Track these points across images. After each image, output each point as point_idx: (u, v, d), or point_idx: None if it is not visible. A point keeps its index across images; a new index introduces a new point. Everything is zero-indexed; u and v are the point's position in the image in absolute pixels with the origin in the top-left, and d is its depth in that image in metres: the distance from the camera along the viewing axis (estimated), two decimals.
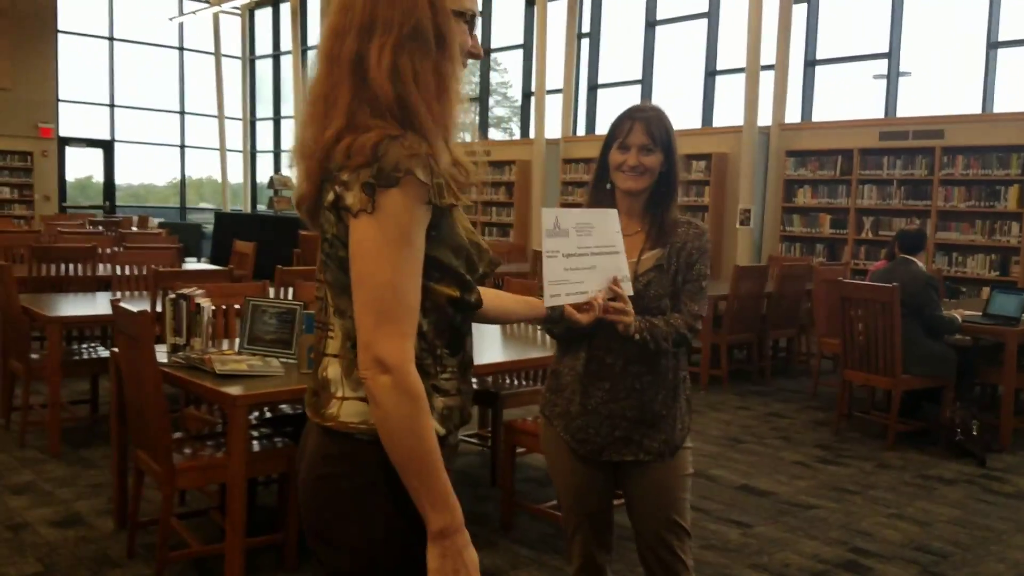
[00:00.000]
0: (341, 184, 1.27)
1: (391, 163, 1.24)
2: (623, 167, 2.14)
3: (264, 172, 17.54)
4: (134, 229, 11.43)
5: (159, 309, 4.14)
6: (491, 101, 14.41)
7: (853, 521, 3.95)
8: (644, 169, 2.13)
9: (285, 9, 16.67)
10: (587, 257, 1.93)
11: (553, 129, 11.82)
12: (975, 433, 4.93)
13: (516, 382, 4.41)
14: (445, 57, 1.32)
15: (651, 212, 2.19)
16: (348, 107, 1.29)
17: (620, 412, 2.14)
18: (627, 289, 1.98)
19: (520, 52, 12.90)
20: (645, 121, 2.12)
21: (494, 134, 14.56)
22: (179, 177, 18.04)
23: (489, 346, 4.16)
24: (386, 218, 1.24)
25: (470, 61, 1.43)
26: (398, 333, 1.24)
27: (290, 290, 5.03)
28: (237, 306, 4.01)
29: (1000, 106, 8.15)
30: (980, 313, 5.44)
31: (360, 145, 1.25)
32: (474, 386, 4.21)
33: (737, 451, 5.01)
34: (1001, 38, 8.16)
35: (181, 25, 17.25)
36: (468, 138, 1.40)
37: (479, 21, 1.42)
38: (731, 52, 10.21)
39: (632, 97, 11.35)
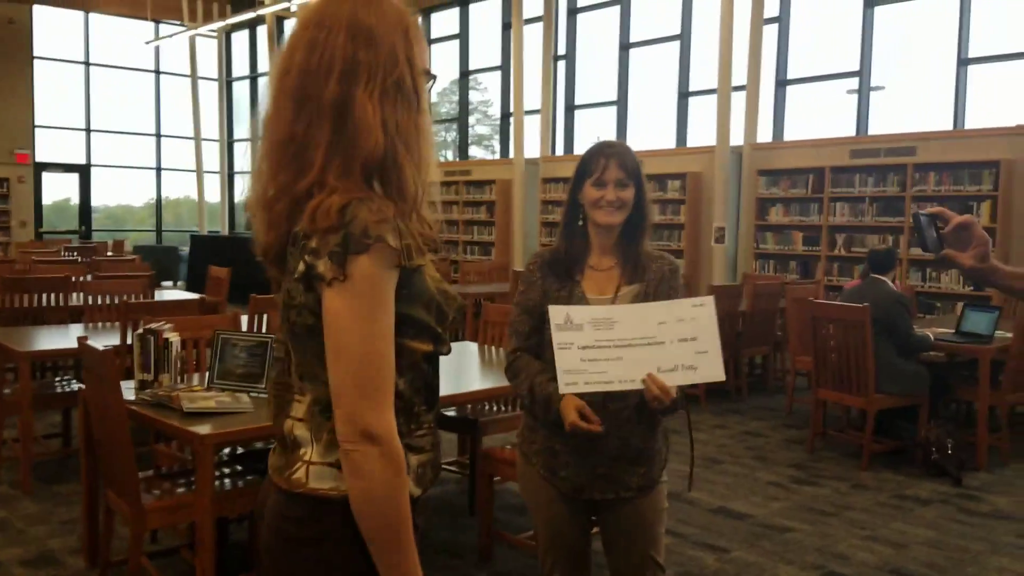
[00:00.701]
0: (310, 252, 1.23)
1: (360, 228, 1.21)
2: (600, 203, 2.16)
3: (241, 193, 17.45)
4: (109, 254, 11.36)
5: (129, 342, 4.10)
6: (472, 119, 14.46)
7: (829, 544, 3.97)
8: (622, 203, 2.16)
9: (262, 31, 16.69)
10: (609, 349, 1.99)
11: (532, 149, 11.88)
12: (950, 451, 4.96)
13: (495, 408, 4.40)
14: (421, 113, 1.33)
15: (623, 245, 2.22)
16: (324, 156, 1.26)
17: (601, 449, 2.14)
18: (669, 380, 2.00)
19: (499, 73, 12.97)
20: (619, 156, 2.17)
21: (476, 151, 14.60)
22: (155, 197, 17.94)
23: (469, 374, 4.16)
24: (358, 286, 1.21)
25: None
26: (383, 403, 1.23)
27: (264, 318, 5.00)
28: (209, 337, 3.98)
29: (971, 122, 8.27)
30: (953, 330, 5.50)
31: (326, 209, 1.22)
32: (452, 413, 4.24)
33: (714, 472, 5.02)
34: (971, 55, 8.29)
35: (157, 48, 17.21)
36: (435, 195, 1.37)
37: (434, 83, 1.42)
38: (703, 73, 10.32)
39: (609, 117, 11.44)
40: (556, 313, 2.01)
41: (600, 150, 2.19)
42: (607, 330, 1.99)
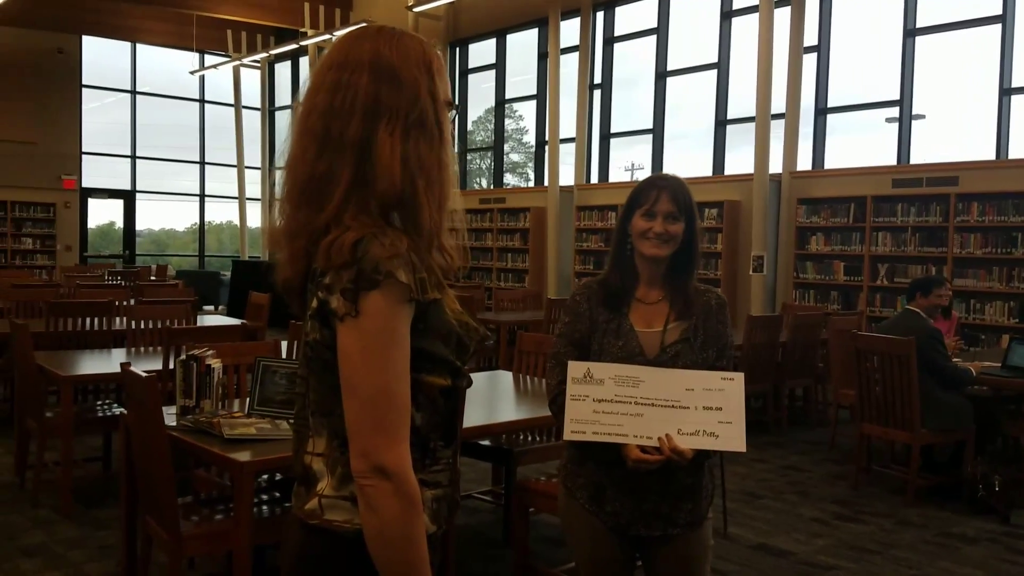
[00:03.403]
0: (324, 289, 1.25)
1: (371, 264, 1.22)
2: (648, 234, 2.14)
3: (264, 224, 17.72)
4: (153, 279, 11.56)
5: (171, 367, 4.15)
6: (507, 147, 14.55)
7: None
8: (669, 237, 2.14)
9: (304, 62, 17.00)
10: (630, 405, 2.01)
11: (567, 177, 11.91)
12: (997, 488, 4.82)
13: (530, 438, 4.37)
14: (444, 146, 1.34)
15: (671, 280, 2.19)
16: (345, 192, 1.28)
17: (647, 485, 2.10)
18: (689, 443, 2.00)
19: (534, 102, 13.05)
20: (671, 189, 2.14)
21: (510, 179, 14.67)
22: (199, 223, 18.27)
23: (503, 403, 4.14)
24: (370, 322, 1.22)
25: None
26: (396, 439, 1.23)
27: None
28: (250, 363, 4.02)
29: (1015, 152, 8.13)
30: (1000, 364, 5.36)
31: (340, 245, 1.24)
32: (487, 443, 4.22)
33: (754, 507, 4.93)
34: (1014, 84, 8.17)
35: (202, 78, 17.61)
36: (458, 223, 1.39)
37: (457, 114, 1.44)
38: (741, 101, 10.29)
39: (644, 146, 11.44)
40: (575, 368, 2.03)
41: (653, 182, 2.18)
42: (631, 387, 2.02)
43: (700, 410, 2.02)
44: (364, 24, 1.45)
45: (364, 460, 1.22)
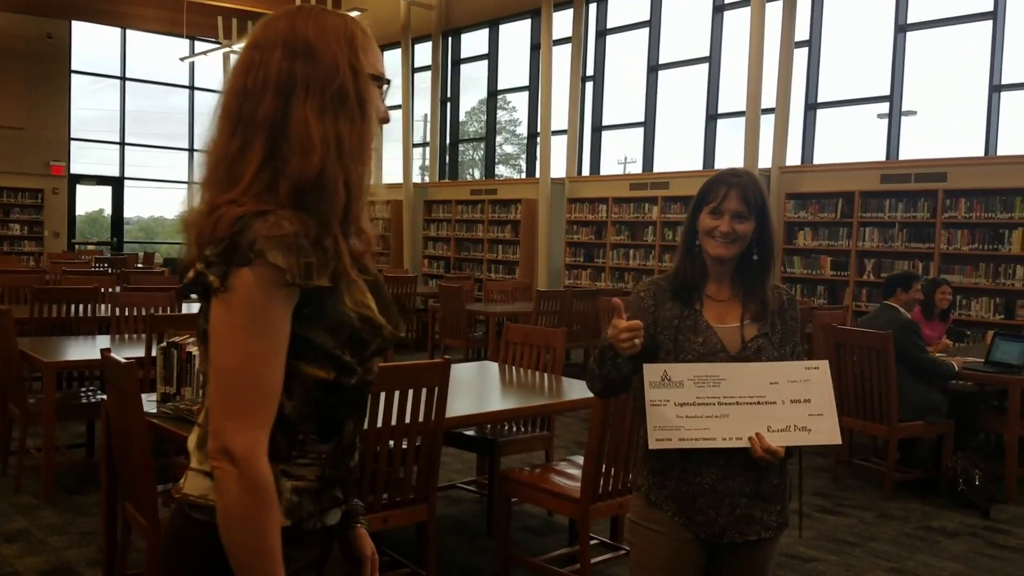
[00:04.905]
0: (203, 261, 1.20)
1: (247, 241, 1.17)
2: (714, 233, 2.04)
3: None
4: (139, 266, 11.51)
5: (153, 354, 4.13)
6: (499, 139, 14.53)
7: (853, 575, 3.89)
8: (736, 236, 2.03)
9: None
10: (714, 406, 1.94)
11: (558, 168, 11.90)
12: (978, 483, 4.86)
13: (514, 429, 4.38)
14: (366, 122, 1.29)
15: (742, 278, 2.10)
16: (256, 171, 1.23)
17: (737, 489, 2.01)
18: (781, 440, 1.95)
19: (526, 93, 13.03)
20: (741, 187, 2.03)
21: (502, 170, 14.66)
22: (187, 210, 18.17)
23: (489, 394, 4.14)
24: (238, 299, 1.17)
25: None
26: (249, 423, 1.17)
27: None
28: None
29: (1004, 149, 8.16)
30: (983, 360, 5.40)
31: (222, 218, 1.20)
32: (471, 433, 4.20)
33: None
34: (1004, 81, 8.19)
35: (192, 64, 17.50)
36: (378, 213, 1.35)
37: (388, 88, 1.37)
38: (732, 95, 10.29)
39: (636, 138, 11.44)
40: (652, 371, 1.93)
41: (722, 177, 2.06)
42: (712, 387, 1.94)
43: (788, 404, 1.95)
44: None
45: (215, 440, 1.18)
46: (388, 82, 1.36)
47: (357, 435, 1.36)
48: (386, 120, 1.35)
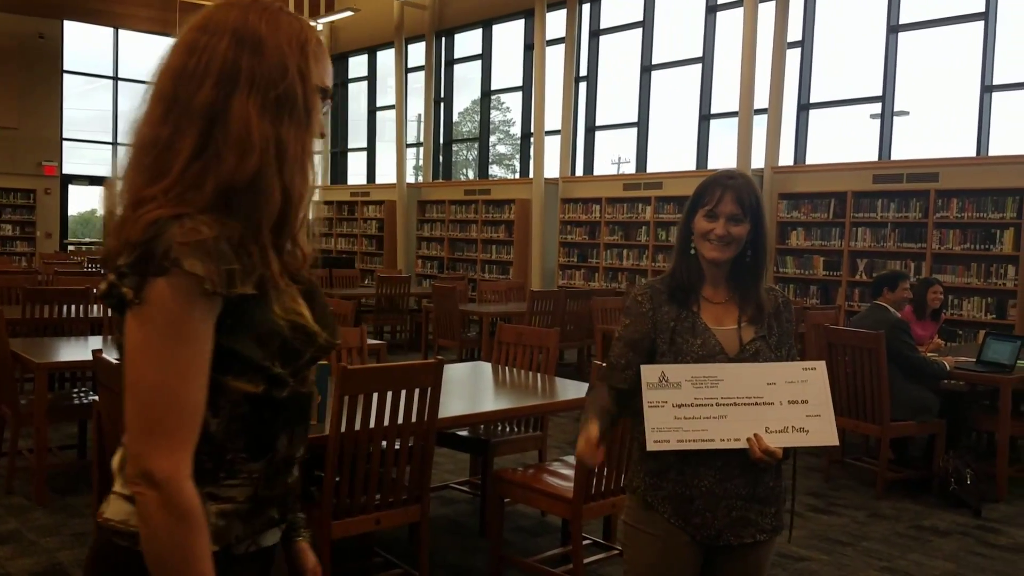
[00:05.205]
0: (115, 270, 1.12)
1: (161, 249, 1.09)
2: (709, 236, 2.03)
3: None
4: None
5: None
6: (493, 139, 14.53)
7: (845, 574, 3.90)
8: (731, 239, 2.03)
9: None
10: (712, 407, 1.94)
11: (552, 169, 11.91)
12: (969, 482, 4.88)
13: (507, 429, 4.38)
14: (309, 132, 1.22)
15: (737, 281, 2.11)
16: (185, 164, 1.14)
17: (734, 491, 2.01)
18: (779, 441, 1.94)
19: (520, 94, 13.04)
20: (736, 189, 2.02)
21: (496, 170, 14.66)
22: None
23: (482, 394, 4.14)
24: (153, 312, 1.09)
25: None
26: (170, 445, 1.09)
27: None
28: None
29: (995, 149, 8.20)
30: (974, 359, 5.42)
31: (136, 222, 1.11)
32: (464, 434, 4.21)
33: None
34: (996, 81, 8.23)
35: None
36: (315, 224, 1.27)
37: (329, 108, 1.31)
38: (725, 96, 10.32)
39: (629, 138, 11.45)
40: (649, 372, 1.93)
41: (717, 180, 2.05)
42: (710, 388, 1.93)
43: (785, 405, 1.95)
44: None
45: (133, 464, 1.10)
46: (331, 98, 1.29)
47: (296, 449, 1.27)
48: (322, 136, 1.27)
